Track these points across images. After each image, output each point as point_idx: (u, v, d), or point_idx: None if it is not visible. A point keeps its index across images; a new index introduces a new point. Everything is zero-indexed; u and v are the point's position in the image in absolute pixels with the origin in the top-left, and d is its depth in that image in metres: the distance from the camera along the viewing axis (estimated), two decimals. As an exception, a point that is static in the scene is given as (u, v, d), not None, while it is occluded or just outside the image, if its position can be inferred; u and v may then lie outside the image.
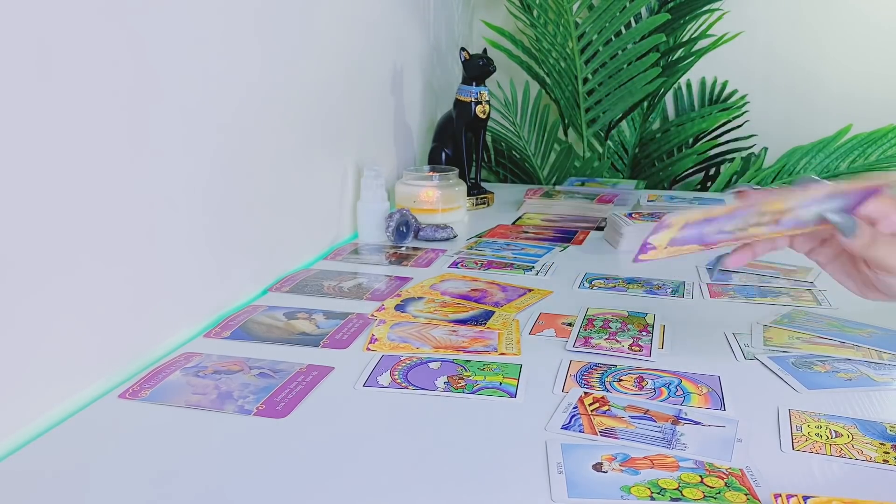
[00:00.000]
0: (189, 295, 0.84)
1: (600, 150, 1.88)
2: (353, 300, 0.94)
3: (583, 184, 1.60)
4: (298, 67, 1.06)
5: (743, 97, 1.94)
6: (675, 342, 0.82)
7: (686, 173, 1.92)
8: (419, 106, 1.61)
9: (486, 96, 1.43)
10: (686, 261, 1.11)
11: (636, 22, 1.80)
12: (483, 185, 1.53)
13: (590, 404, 0.67)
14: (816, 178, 0.63)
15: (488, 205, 1.49)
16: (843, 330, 0.85)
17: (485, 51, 1.44)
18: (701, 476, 0.56)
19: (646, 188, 1.69)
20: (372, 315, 0.88)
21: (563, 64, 1.75)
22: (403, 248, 1.17)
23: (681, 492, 0.54)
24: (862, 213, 0.63)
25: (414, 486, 0.55)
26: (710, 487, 0.55)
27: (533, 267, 1.08)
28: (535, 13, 1.72)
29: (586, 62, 1.72)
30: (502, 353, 0.78)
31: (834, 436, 0.62)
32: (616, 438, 0.61)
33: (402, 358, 0.76)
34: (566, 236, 1.25)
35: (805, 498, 0.53)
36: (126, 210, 0.73)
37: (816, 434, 0.63)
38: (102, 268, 0.70)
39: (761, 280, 1.03)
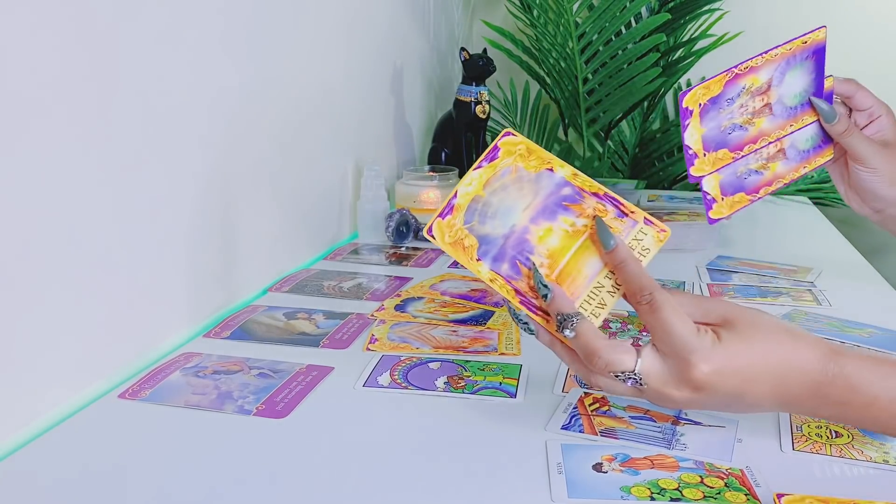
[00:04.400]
0: (189, 295, 0.84)
1: (600, 149, 1.88)
2: (353, 300, 0.94)
3: (583, 184, 1.60)
4: (298, 67, 1.06)
5: (743, 97, 1.93)
6: (675, 342, 0.82)
7: (686, 173, 1.92)
8: (419, 106, 1.61)
9: (485, 96, 1.43)
10: (686, 261, 1.11)
11: (636, 22, 1.80)
12: (483, 185, 1.53)
13: (590, 404, 0.67)
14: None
15: (488, 205, 1.49)
16: (843, 330, 0.85)
17: (485, 51, 1.44)
18: (701, 476, 0.56)
19: (646, 188, 1.69)
20: (372, 315, 0.88)
21: (563, 64, 1.74)
22: (403, 248, 1.17)
23: (681, 492, 0.54)
24: (838, 90, 0.78)
25: (414, 486, 0.55)
26: (710, 487, 0.55)
27: (533, 267, 1.08)
28: (535, 13, 1.72)
29: (586, 62, 1.72)
30: (502, 353, 0.78)
31: (834, 436, 0.62)
32: (616, 439, 0.61)
33: (402, 358, 0.76)
34: (566, 236, 1.25)
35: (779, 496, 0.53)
36: (126, 211, 0.73)
37: (816, 434, 0.63)
38: (102, 268, 0.70)
39: (761, 280, 1.03)
